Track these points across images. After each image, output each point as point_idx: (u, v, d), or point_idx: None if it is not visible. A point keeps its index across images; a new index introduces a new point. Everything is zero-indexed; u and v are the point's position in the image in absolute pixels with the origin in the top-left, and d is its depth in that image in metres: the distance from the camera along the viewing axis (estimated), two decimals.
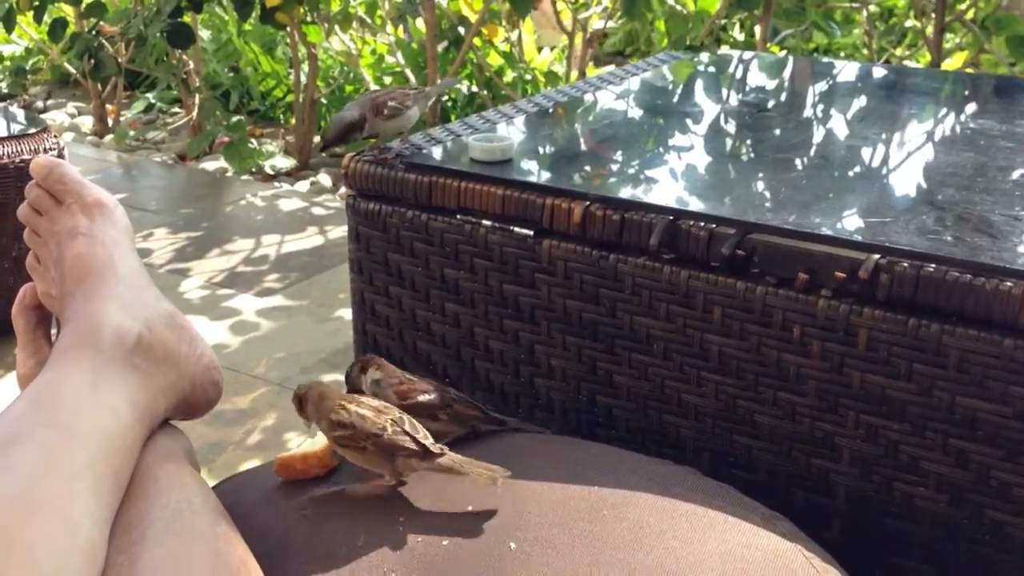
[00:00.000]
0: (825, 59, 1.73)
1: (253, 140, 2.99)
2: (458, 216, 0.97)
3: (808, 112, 1.30)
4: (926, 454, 0.80)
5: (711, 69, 1.52)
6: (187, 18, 2.71)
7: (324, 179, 2.85)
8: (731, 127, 1.22)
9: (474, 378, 1.01)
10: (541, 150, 1.10)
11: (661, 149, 1.12)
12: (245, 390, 1.70)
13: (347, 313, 1.98)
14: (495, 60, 3.13)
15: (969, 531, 0.81)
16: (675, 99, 1.37)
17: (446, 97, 3.07)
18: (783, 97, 1.38)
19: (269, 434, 1.56)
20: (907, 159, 1.08)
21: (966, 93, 1.39)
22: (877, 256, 0.79)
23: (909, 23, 3.17)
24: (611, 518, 0.72)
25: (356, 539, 0.72)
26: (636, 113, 1.27)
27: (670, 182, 1.00)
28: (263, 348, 1.86)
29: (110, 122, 3.37)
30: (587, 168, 1.04)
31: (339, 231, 2.45)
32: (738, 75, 1.51)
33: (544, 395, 0.98)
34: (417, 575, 0.68)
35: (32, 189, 0.83)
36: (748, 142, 1.15)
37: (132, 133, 3.24)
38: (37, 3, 2.82)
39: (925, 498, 0.82)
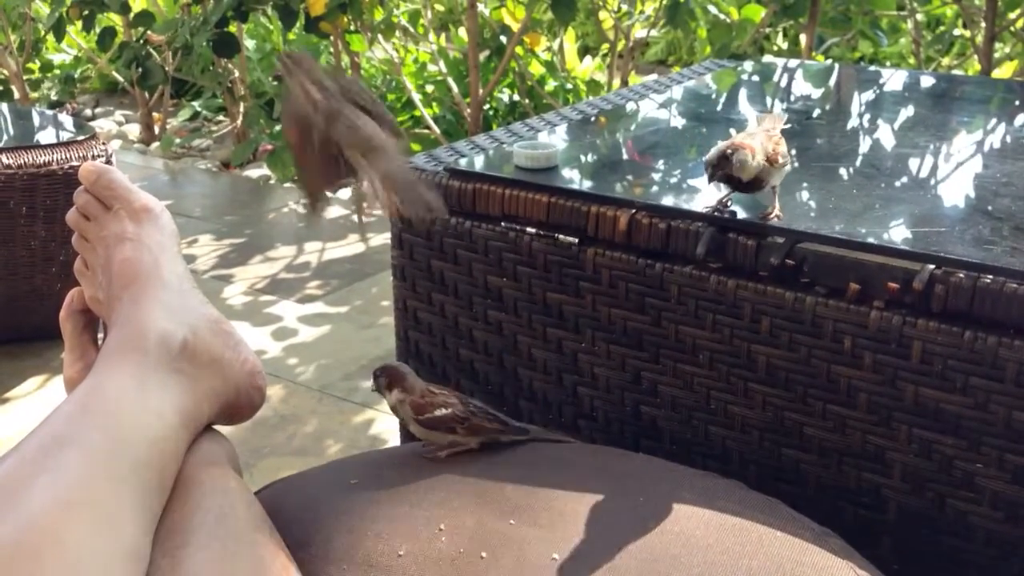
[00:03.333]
0: (872, 67, 1.70)
1: None
2: (502, 223, 0.96)
3: (856, 120, 1.28)
4: (981, 470, 0.78)
5: (756, 77, 1.50)
6: (233, 28, 2.74)
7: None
8: None
9: (517, 386, 1.00)
10: (585, 158, 1.10)
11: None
12: (286, 396, 1.70)
13: (388, 320, 1.98)
14: (537, 69, 3.13)
15: None
16: (720, 107, 1.35)
17: (487, 105, 3.07)
18: (830, 105, 1.36)
19: (310, 440, 1.57)
20: (959, 168, 1.05)
21: (1017, 102, 1.36)
22: (932, 266, 0.78)
23: (957, 32, 3.12)
24: (656, 531, 0.70)
25: (396, 548, 0.71)
26: (681, 121, 1.26)
27: (717, 190, 0.98)
28: (304, 354, 1.86)
29: (156, 130, 3.41)
30: (632, 176, 1.03)
31: (380, 239, 2.46)
32: (784, 83, 1.49)
33: (587, 404, 0.97)
34: None
35: (81, 194, 0.83)
36: (795, 150, 1.13)
37: (178, 141, 3.28)
38: (86, 13, 2.86)
39: (980, 515, 0.79)
